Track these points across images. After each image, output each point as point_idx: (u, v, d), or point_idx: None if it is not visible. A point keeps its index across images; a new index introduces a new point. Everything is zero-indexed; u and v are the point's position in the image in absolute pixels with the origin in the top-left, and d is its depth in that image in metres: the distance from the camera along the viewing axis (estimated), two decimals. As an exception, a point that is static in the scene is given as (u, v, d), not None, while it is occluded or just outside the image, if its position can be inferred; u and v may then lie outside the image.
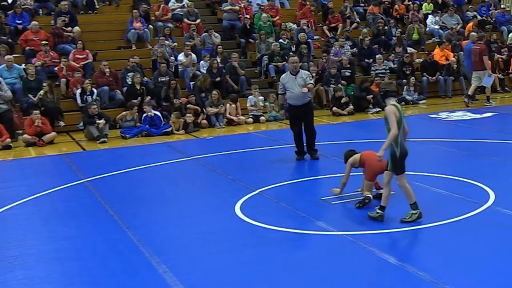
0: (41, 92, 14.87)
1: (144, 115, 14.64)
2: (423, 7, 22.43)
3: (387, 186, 7.38)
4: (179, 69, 17.27)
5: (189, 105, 15.23)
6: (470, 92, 17.14)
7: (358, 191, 8.50)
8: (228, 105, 15.63)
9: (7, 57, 15.48)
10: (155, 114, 14.61)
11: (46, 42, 16.58)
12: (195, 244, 6.91)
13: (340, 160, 9.01)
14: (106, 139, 13.93)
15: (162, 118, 14.75)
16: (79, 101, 15.10)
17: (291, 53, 17.98)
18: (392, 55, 19.26)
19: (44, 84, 14.91)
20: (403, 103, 17.66)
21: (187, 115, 14.91)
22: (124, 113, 14.75)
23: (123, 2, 20.11)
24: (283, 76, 11.19)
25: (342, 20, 20.73)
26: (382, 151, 7.28)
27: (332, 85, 17.29)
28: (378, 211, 7.37)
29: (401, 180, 7.30)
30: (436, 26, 21.48)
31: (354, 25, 20.90)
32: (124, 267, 6.33)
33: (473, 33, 18.03)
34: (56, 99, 15.03)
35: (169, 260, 6.39)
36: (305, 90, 10.66)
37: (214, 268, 6.22)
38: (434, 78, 18.88)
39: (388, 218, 7.54)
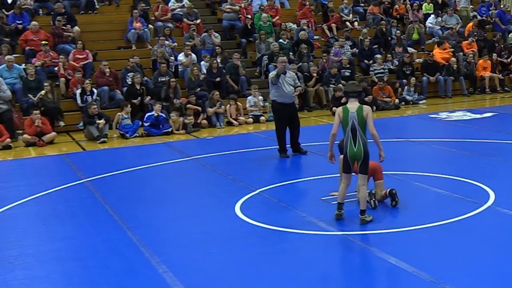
0: (42, 92, 14.87)
1: (149, 114, 14.60)
2: (423, 7, 22.43)
3: (360, 189, 7.37)
4: (179, 69, 17.27)
5: (189, 105, 15.22)
6: None
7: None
8: (228, 105, 15.62)
9: (7, 57, 15.47)
10: (160, 115, 14.57)
11: (46, 42, 16.57)
12: (195, 244, 6.90)
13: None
14: (106, 139, 13.93)
15: (166, 120, 14.71)
16: (79, 101, 15.10)
17: (291, 53, 18.05)
18: (390, 56, 19.22)
19: (46, 84, 14.90)
20: (403, 103, 17.70)
21: (188, 116, 14.89)
22: (118, 114, 14.58)
23: (123, 2, 20.11)
24: (272, 74, 11.32)
25: (339, 20, 20.71)
26: (329, 152, 7.50)
27: (332, 85, 17.29)
28: (364, 217, 7.29)
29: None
30: (436, 26, 21.47)
31: (355, 23, 20.87)
32: (124, 267, 6.33)
33: None
34: (56, 99, 15.02)
35: (169, 260, 6.38)
36: (297, 92, 11.31)
37: (214, 268, 6.22)
38: (434, 78, 18.89)
39: (388, 218, 7.55)
